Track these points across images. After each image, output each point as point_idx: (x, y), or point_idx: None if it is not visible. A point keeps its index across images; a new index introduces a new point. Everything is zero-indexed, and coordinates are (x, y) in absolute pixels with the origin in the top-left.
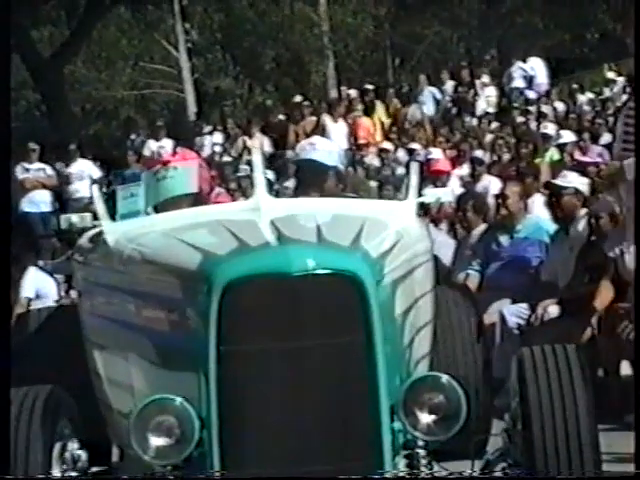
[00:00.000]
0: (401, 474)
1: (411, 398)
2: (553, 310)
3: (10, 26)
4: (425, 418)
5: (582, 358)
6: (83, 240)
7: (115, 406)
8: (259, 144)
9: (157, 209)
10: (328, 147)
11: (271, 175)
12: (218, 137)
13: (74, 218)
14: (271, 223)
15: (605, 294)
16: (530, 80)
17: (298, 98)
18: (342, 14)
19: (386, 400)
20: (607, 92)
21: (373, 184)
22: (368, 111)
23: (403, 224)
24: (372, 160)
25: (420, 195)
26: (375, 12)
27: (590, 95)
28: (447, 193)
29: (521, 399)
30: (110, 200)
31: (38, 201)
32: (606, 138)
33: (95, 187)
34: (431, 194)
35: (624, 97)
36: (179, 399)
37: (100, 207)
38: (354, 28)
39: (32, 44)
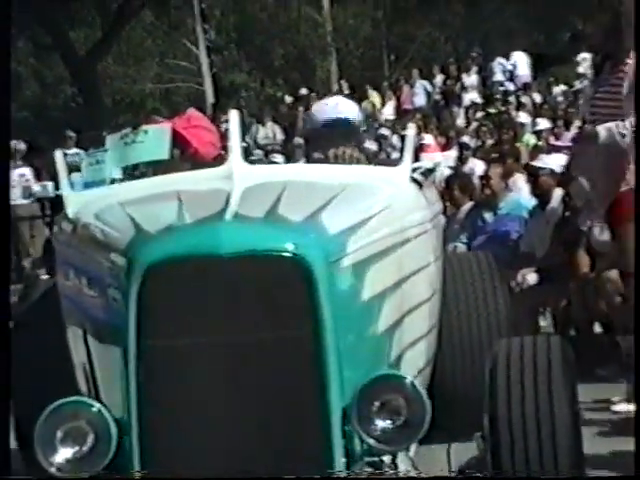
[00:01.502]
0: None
1: (365, 401)
2: (531, 278)
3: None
4: (380, 423)
5: (568, 352)
6: (62, 213)
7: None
8: (236, 113)
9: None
10: (352, 107)
11: (280, 159)
12: None
13: (35, 187)
14: (241, 193)
15: (583, 263)
16: (511, 74)
17: (305, 90)
18: (343, 16)
19: (338, 401)
20: (578, 84)
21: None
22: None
23: (394, 191)
24: (371, 145)
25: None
26: (373, 14)
27: (563, 87)
28: (448, 157)
29: (491, 400)
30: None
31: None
32: (577, 125)
33: (58, 153)
34: (429, 159)
35: (588, 80)
36: (95, 403)
37: (61, 174)
38: (354, 29)
39: (70, 44)
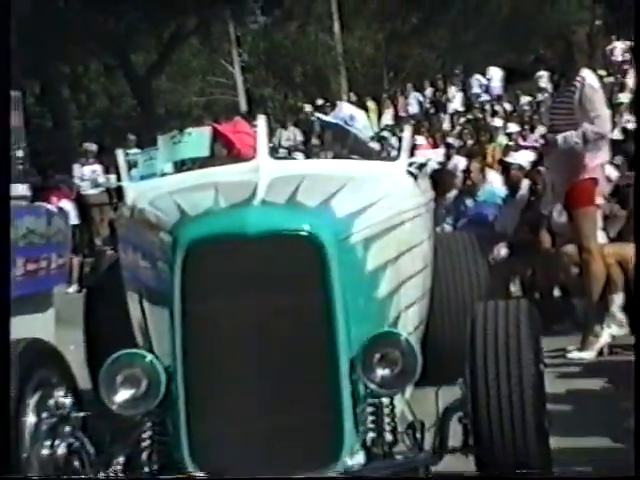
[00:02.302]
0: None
1: (368, 353)
2: (504, 252)
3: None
4: (380, 372)
5: (534, 313)
6: (123, 200)
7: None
8: (263, 119)
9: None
10: (351, 112)
11: (300, 156)
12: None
13: (100, 179)
14: (267, 183)
15: (545, 240)
16: (486, 87)
17: (320, 101)
18: (351, 41)
19: (346, 353)
20: (540, 96)
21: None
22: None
23: (392, 182)
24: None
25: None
26: (375, 39)
27: (528, 98)
28: (438, 154)
29: (471, 353)
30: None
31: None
32: (540, 129)
33: (119, 152)
34: (421, 155)
35: (548, 93)
36: (148, 355)
37: (122, 169)
38: (359, 51)
39: (131, 65)
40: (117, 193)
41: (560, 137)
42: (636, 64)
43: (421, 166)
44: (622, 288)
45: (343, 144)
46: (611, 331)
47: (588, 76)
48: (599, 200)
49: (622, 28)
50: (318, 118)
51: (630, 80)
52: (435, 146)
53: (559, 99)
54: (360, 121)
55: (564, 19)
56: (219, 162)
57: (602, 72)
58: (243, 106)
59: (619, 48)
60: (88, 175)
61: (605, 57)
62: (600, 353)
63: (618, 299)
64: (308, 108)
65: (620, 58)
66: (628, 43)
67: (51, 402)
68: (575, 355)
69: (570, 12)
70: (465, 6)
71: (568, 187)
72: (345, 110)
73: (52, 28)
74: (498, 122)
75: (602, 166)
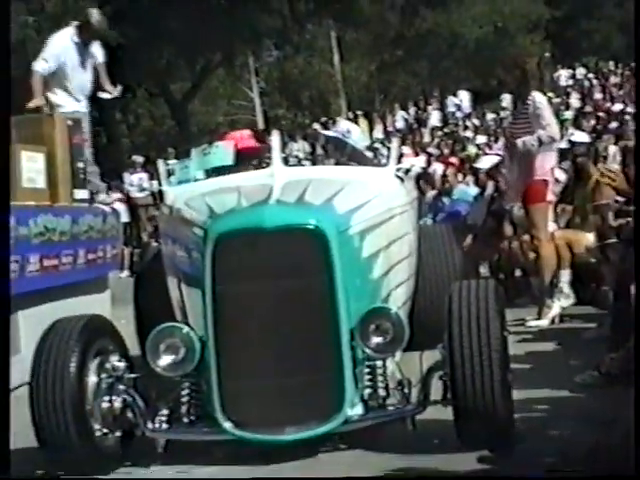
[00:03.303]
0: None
1: (365, 324)
2: (474, 240)
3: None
4: (374, 339)
5: (499, 290)
6: (163, 202)
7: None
8: (277, 133)
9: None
10: (347, 127)
11: (308, 164)
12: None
13: (146, 184)
14: (281, 186)
15: (507, 230)
16: (459, 107)
17: (324, 119)
18: (348, 70)
19: (346, 325)
20: (502, 114)
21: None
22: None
23: (382, 184)
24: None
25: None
26: (368, 68)
27: (493, 115)
28: (420, 161)
29: (449, 323)
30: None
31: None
32: (502, 141)
33: (160, 162)
34: (407, 162)
35: (509, 111)
36: (186, 327)
37: (162, 175)
38: (355, 78)
39: (170, 92)
40: (159, 196)
41: (519, 141)
42: (636, 66)
43: (406, 171)
44: (568, 265)
45: (342, 153)
46: (560, 303)
47: (537, 96)
48: (549, 197)
49: (565, 60)
50: (321, 133)
51: (572, 100)
52: (418, 155)
53: (518, 115)
54: (355, 134)
55: (520, 52)
56: (241, 170)
57: (550, 94)
58: (260, 124)
59: (563, 75)
60: (136, 181)
61: (553, 82)
62: (552, 322)
63: (565, 275)
64: (314, 125)
65: (564, 83)
66: (570, 71)
67: (108, 366)
68: (532, 323)
69: (525, 47)
70: (440, 42)
71: (524, 187)
72: (343, 125)
73: (106, 63)
74: (469, 135)
75: (552, 170)
